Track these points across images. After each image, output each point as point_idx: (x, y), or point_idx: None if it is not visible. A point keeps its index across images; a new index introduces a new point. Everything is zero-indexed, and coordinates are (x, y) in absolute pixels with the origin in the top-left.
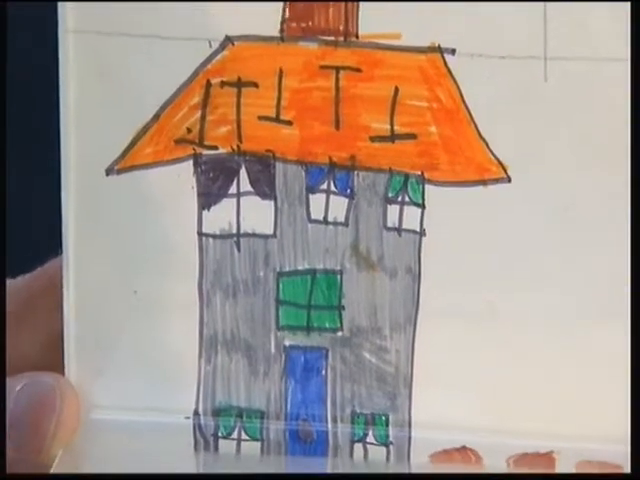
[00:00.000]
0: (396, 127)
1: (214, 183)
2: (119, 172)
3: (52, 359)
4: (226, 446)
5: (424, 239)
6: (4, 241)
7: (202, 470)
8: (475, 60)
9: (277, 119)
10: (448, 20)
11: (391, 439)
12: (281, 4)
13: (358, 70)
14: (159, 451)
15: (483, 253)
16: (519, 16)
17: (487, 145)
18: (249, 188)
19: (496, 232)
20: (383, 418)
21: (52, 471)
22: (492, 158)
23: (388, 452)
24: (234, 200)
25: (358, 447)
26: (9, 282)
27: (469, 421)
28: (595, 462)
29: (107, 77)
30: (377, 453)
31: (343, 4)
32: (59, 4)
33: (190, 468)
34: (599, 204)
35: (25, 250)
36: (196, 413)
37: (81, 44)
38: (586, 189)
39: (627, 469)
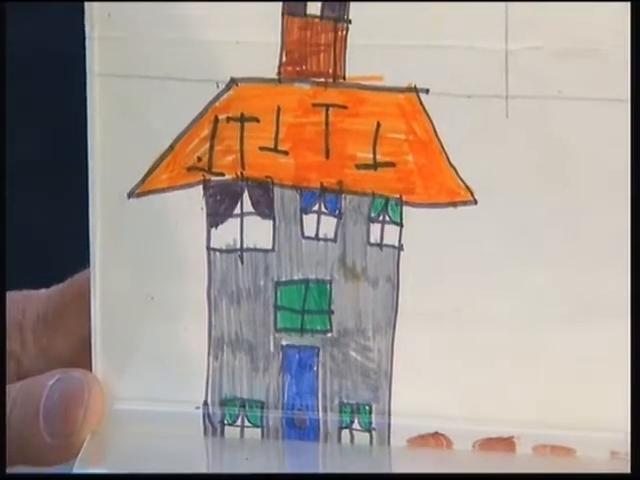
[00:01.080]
0: (378, 156)
1: (221, 205)
2: (139, 196)
3: (81, 357)
4: (231, 432)
5: (402, 253)
6: (4, 247)
7: (210, 453)
8: (446, 98)
9: (275, 149)
10: (423, 64)
11: (374, 426)
12: (278, 51)
13: (345, 107)
14: (173, 436)
15: (453, 265)
16: (484, 60)
17: (456, 172)
18: (251, 209)
19: (464, 247)
20: (367, 407)
21: (80, 454)
22: (461, 183)
23: (371, 437)
24: (238, 219)
25: (345, 433)
26: (45, 291)
27: (441, 410)
28: (549, 445)
29: (129, 113)
30: (362, 438)
31: (332, 51)
32: (87, 50)
33: (200, 451)
34: (554, 224)
35: (58, 263)
36: (205, 403)
37: (106, 86)
38: (543, 210)
39: (579, 451)
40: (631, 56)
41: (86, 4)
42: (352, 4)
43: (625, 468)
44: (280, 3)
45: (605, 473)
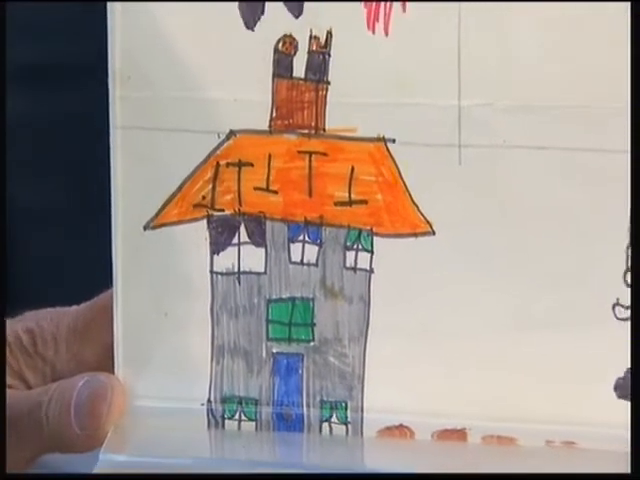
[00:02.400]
0: (352, 195)
1: (221, 236)
2: (153, 228)
3: (105, 363)
4: (230, 425)
5: (373, 275)
6: (4, 255)
7: (213, 442)
8: (409, 147)
9: (267, 189)
10: (390, 118)
11: (349, 420)
12: (270, 107)
13: (325, 154)
14: (182, 428)
15: (416, 286)
16: (441, 114)
17: (417, 208)
18: (247, 239)
19: (425, 270)
20: (343, 404)
21: (105, 443)
22: (421, 218)
23: (347, 429)
24: (236, 248)
25: (325, 425)
26: (75, 307)
27: (405, 406)
28: (495, 435)
29: (144, 159)
30: (339, 430)
31: (314, 107)
32: (110, 107)
33: (204, 441)
34: (499, 251)
35: (86, 284)
36: (208, 401)
37: (126, 137)
38: (490, 240)
39: (520, 441)
40: (631, 62)
41: (110, 68)
42: (331, 69)
43: (560, 456)
44: (270, 69)
45: (605, 473)
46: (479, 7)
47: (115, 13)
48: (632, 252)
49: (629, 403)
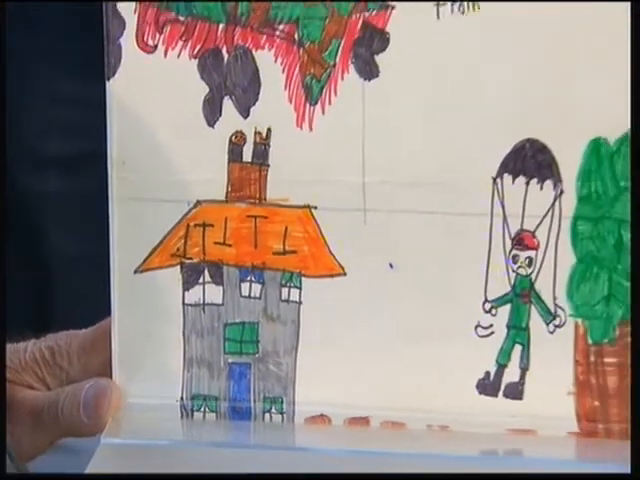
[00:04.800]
0: (286, 247)
1: (191, 277)
2: (141, 272)
3: (106, 371)
4: (197, 416)
5: (301, 306)
6: (4, 253)
7: (185, 429)
8: (326, 211)
9: (224, 243)
10: (313, 191)
11: (284, 410)
12: (226, 183)
13: (266, 217)
14: (162, 419)
15: (333, 312)
16: (350, 188)
17: (334, 257)
18: (209, 280)
19: (339, 301)
20: (280, 399)
21: (105, 429)
22: (336, 263)
23: (282, 418)
24: (202, 286)
25: (267, 415)
26: (84, 330)
27: (324, 400)
28: (390, 421)
29: (135, 221)
30: (277, 418)
31: (258, 183)
32: (109, 184)
33: (178, 428)
34: (395, 287)
35: (90, 313)
36: (181, 399)
37: (121, 206)
38: (387, 280)
39: (408, 425)
40: (631, 60)
41: (109, 155)
42: (270, 155)
43: (437, 437)
44: (226, 156)
45: (605, 473)
46: (378, 106)
47: (112, 115)
48: (632, 252)
49: (487, 397)
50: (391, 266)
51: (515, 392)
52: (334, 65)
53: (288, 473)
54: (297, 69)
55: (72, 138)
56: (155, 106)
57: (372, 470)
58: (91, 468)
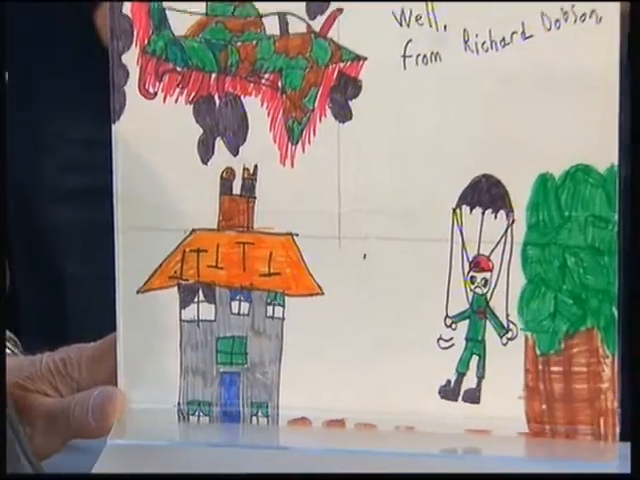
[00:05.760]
0: (272, 269)
1: (187, 297)
2: (143, 292)
3: (112, 380)
4: (193, 419)
5: (285, 322)
6: (4, 265)
7: (182, 430)
8: (307, 239)
9: (216, 267)
10: (293, 219)
11: (269, 414)
12: (217, 213)
13: (253, 244)
14: (161, 422)
15: (312, 327)
16: (326, 216)
17: (313, 278)
18: (203, 299)
19: (318, 317)
20: (265, 404)
21: (111, 431)
22: (315, 284)
23: (268, 421)
24: (196, 304)
25: (254, 418)
26: (92, 343)
27: (305, 404)
28: (363, 423)
29: (137, 248)
30: (263, 421)
31: (246, 214)
32: (114, 216)
33: (175, 430)
34: (367, 304)
35: (97, 328)
36: (178, 404)
37: (126, 234)
38: (360, 299)
39: (379, 427)
40: (630, 59)
41: (114, 189)
42: (257, 189)
43: (405, 437)
44: (218, 190)
45: (605, 473)
46: (352, 145)
47: (118, 154)
48: (633, 253)
49: (448, 401)
50: (363, 286)
51: (473, 397)
52: (313, 110)
53: (275, 473)
54: (280, 113)
55: (83, 174)
56: (155, 146)
57: (347, 466)
58: (98, 466)
